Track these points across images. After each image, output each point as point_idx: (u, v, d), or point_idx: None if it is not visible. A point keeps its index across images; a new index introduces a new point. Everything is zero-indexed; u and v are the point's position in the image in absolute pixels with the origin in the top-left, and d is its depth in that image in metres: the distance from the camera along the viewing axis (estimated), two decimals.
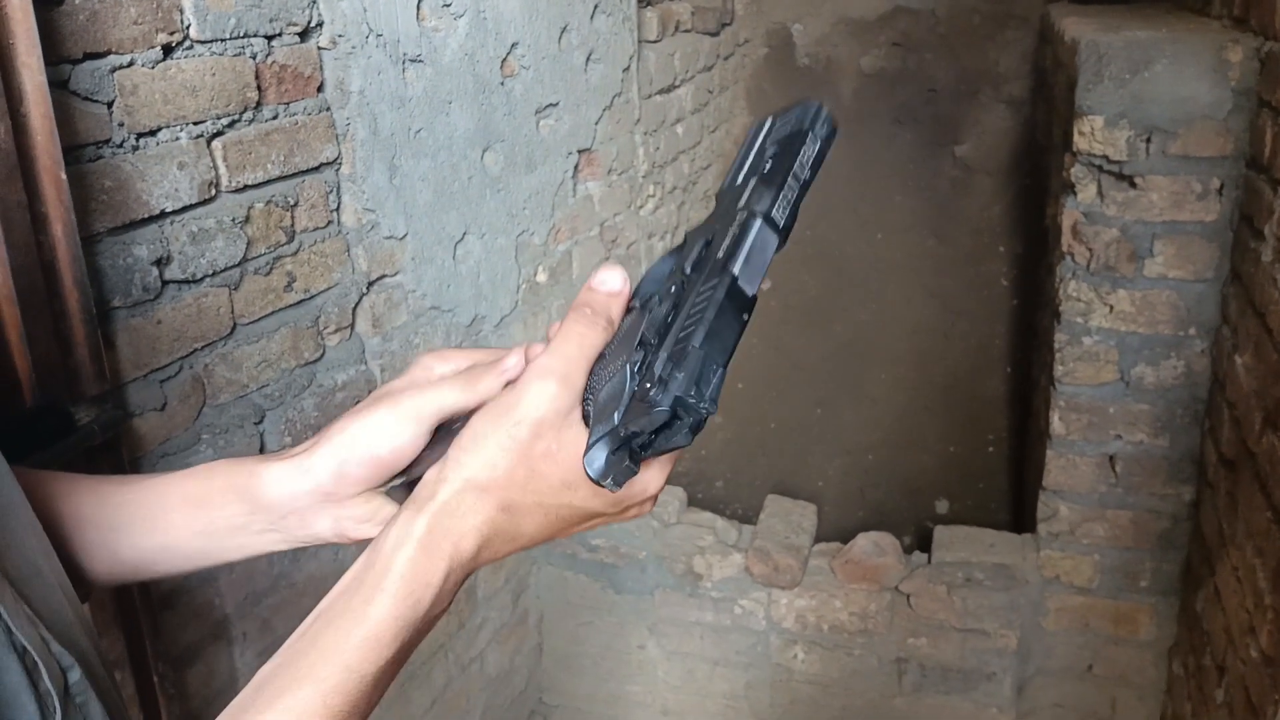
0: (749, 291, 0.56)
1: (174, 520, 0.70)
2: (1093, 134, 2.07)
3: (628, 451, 0.56)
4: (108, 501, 0.71)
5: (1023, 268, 3.49)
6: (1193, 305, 2.14)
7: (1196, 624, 2.19)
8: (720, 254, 0.57)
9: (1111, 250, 2.13)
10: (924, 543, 2.60)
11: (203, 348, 1.54)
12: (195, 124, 1.48)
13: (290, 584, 1.76)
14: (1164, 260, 2.12)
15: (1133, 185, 2.09)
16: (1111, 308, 2.17)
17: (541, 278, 2.57)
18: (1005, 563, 2.41)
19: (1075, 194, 2.16)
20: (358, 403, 1.74)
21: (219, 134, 1.53)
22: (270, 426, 1.67)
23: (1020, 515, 2.92)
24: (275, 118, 1.64)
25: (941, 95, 3.90)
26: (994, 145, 3.78)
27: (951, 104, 3.87)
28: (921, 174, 3.85)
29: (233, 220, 1.55)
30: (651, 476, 0.60)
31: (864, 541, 2.50)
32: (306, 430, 1.75)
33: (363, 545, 0.62)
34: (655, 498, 0.62)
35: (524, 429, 0.57)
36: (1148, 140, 2.06)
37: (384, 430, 0.64)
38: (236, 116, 1.56)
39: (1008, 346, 3.42)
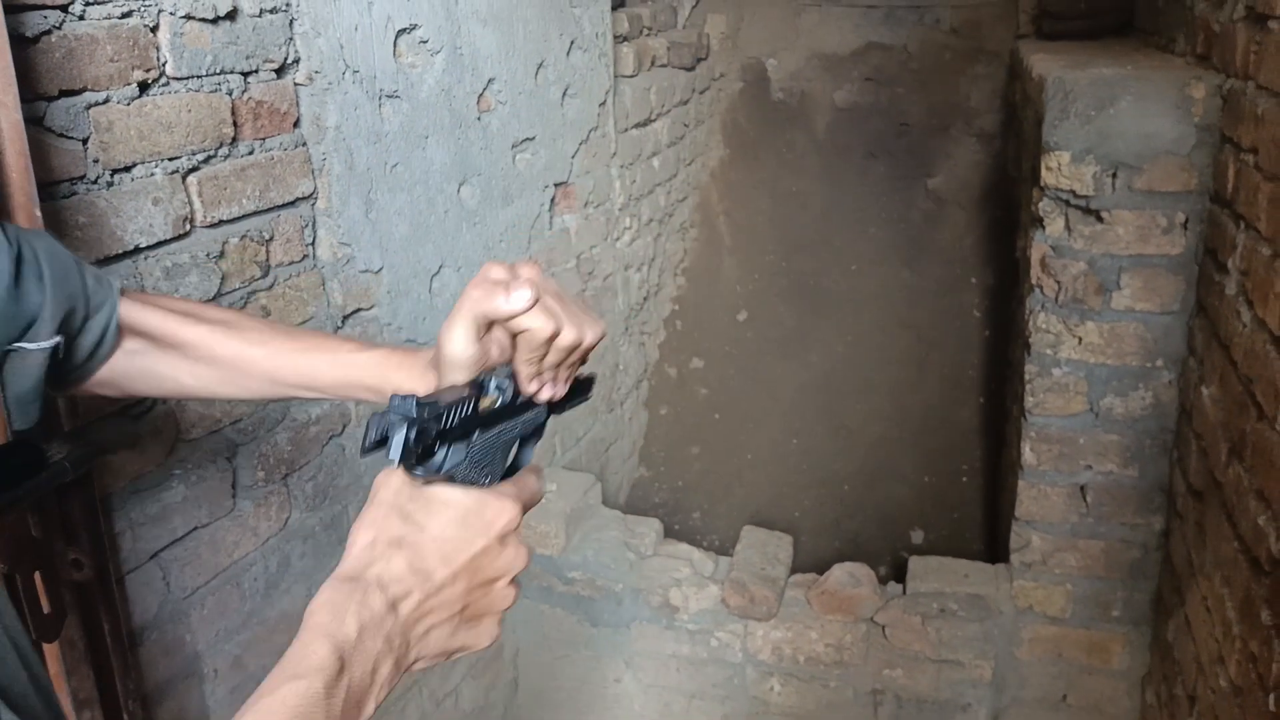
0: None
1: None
2: (1060, 169, 2.11)
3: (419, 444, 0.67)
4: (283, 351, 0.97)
5: (995, 299, 3.53)
6: (1160, 337, 2.17)
7: (1168, 653, 2.21)
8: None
9: (1079, 283, 2.16)
10: (900, 573, 2.60)
11: None
12: (170, 160, 1.49)
13: (262, 620, 1.74)
14: (1131, 293, 2.15)
15: (1099, 219, 2.12)
16: (1080, 339, 2.20)
17: None
18: (979, 593, 2.42)
19: (1044, 227, 2.20)
20: (332, 437, 1.75)
21: (194, 170, 1.54)
22: (243, 462, 1.67)
23: (994, 545, 2.94)
24: (251, 153, 1.65)
25: (914, 129, 3.95)
26: (965, 178, 3.84)
27: (924, 137, 3.93)
28: (895, 206, 3.90)
29: (207, 255, 1.56)
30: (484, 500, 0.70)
31: (839, 572, 2.50)
32: (280, 465, 1.74)
33: None
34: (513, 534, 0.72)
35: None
36: (1114, 175, 2.10)
37: (453, 339, 0.75)
38: (212, 152, 1.57)
39: (980, 377, 3.45)
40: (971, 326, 3.57)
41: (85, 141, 1.36)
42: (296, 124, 1.75)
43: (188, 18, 1.50)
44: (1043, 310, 2.22)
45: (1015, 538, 2.40)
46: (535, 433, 0.81)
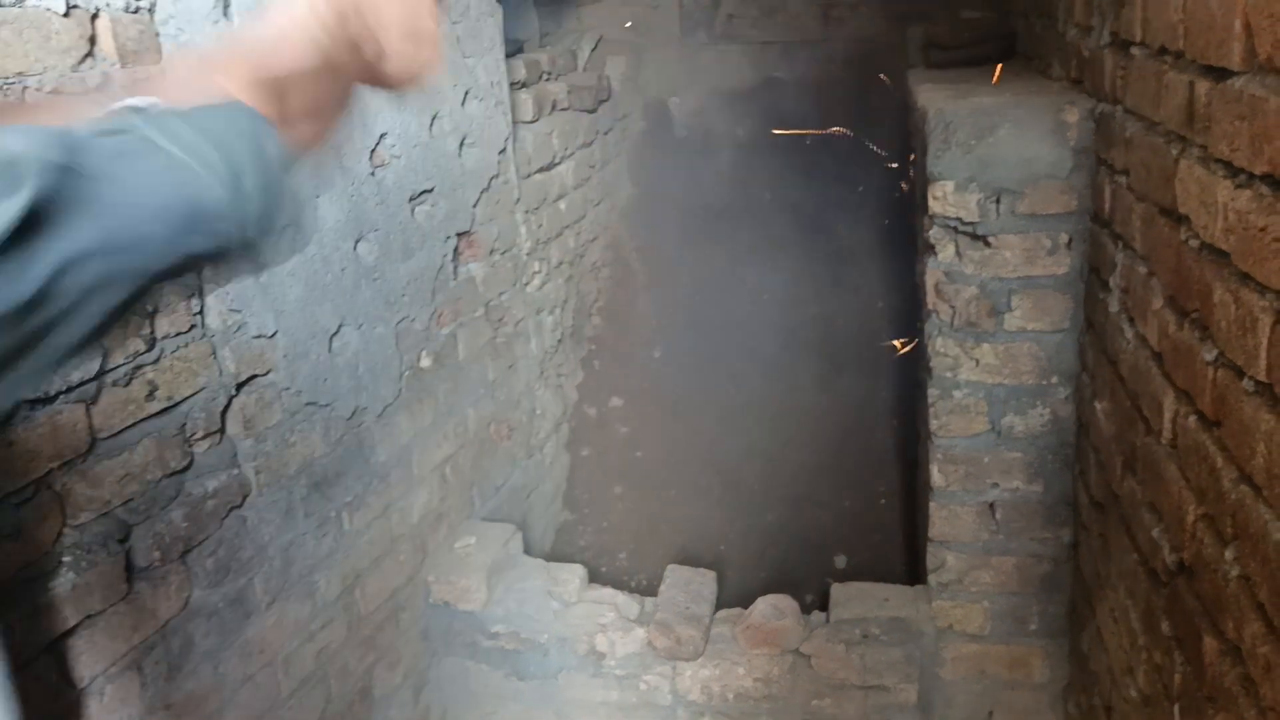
0: None
1: None
2: (945, 198, 2.17)
3: None
4: None
5: (902, 322, 3.60)
6: (1053, 355, 2.23)
7: (1085, 664, 2.25)
8: None
9: (972, 307, 2.22)
10: (826, 599, 2.62)
11: (59, 466, 1.49)
12: None
13: (167, 705, 1.69)
14: (1022, 314, 2.21)
15: (987, 244, 2.18)
16: (977, 361, 2.25)
17: (425, 363, 2.56)
18: (900, 616, 2.44)
19: (935, 254, 2.25)
20: (231, 509, 1.71)
21: None
22: (137, 542, 1.62)
23: (915, 565, 2.98)
24: None
25: (815, 160, 4.03)
26: (868, 206, 3.92)
27: (825, 168, 4.00)
28: (800, 235, 3.96)
29: None
30: None
31: (763, 605, 2.51)
32: (177, 543, 1.69)
33: None
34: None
35: None
36: (997, 201, 2.16)
37: None
38: None
39: (892, 399, 3.51)
40: (881, 350, 3.63)
41: None
42: None
43: (55, 93, 1.47)
44: (940, 334, 2.27)
45: (931, 558, 2.43)
46: None
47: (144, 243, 0.65)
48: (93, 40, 1.54)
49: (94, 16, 1.54)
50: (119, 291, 0.65)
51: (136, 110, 0.69)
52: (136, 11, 1.62)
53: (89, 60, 1.54)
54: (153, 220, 0.65)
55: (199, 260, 0.71)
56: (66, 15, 1.49)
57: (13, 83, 1.41)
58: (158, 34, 1.67)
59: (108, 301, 0.64)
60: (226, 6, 1.81)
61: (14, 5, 1.42)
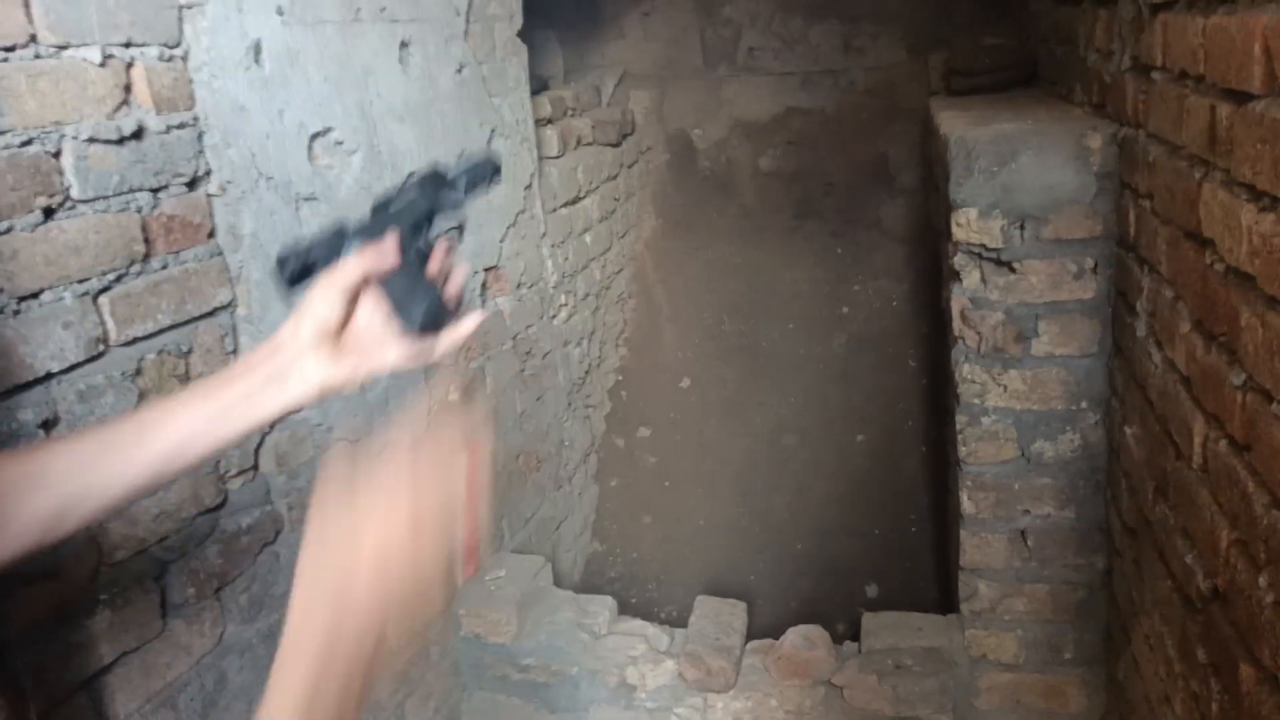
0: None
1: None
2: (969, 225, 2.17)
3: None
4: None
5: (929, 348, 3.59)
6: (1082, 380, 2.22)
7: (1121, 693, 2.22)
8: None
9: (999, 333, 2.21)
10: (858, 629, 2.60)
11: None
12: (80, 282, 1.49)
13: None
14: (1049, 339, 2.20)
15: (1012, 270, 2.18)
16: (1005, 387, 2.24)
17: (454, 397, 2.58)
18: (933, 646, 2.42)
19: (961, 281, 2.25)
20: (264, 545, 1.74)
21: (106, 289, 1.53)
22: (172, 580, 1.64)
23: (948, 593, 2.95)
24: (165, 268, 1.65)
25: (838, 188, 4.04)
26: (891, 232, 3.92)
27: (848, 196, 4.02)
28: (826, 264, 3.96)
29: (123, 374, 1.55)
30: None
31: (794, 636, 2.50)
32: (211, 579, 1.71)
33: None
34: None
35: None
36: (1021, 227, 2.16)
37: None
38: (124, 270, 1.56)
39: (921, 426, 3.49)
40: (908, 376, 3.62)
41: None
42: (211, 235, 1.75)
43: (91, 140, 1.51)
44: (967, 361, 2.27)
45: (963, 587, 2.41)
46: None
47: None
48: (128, 88, 1.59)
49: (129, 65, 1.59)
50: None
51: None
52: (170, 60, 1.66)
53: (124, 108, 1.58)
54: None
55: None
56: (102, 65, 1.53)
57: (50, 132, 1.45)
58: (191, 80, 1.71)
59: None
60: (258, 54, 1.86)
61: (51, 57, 1.46)
